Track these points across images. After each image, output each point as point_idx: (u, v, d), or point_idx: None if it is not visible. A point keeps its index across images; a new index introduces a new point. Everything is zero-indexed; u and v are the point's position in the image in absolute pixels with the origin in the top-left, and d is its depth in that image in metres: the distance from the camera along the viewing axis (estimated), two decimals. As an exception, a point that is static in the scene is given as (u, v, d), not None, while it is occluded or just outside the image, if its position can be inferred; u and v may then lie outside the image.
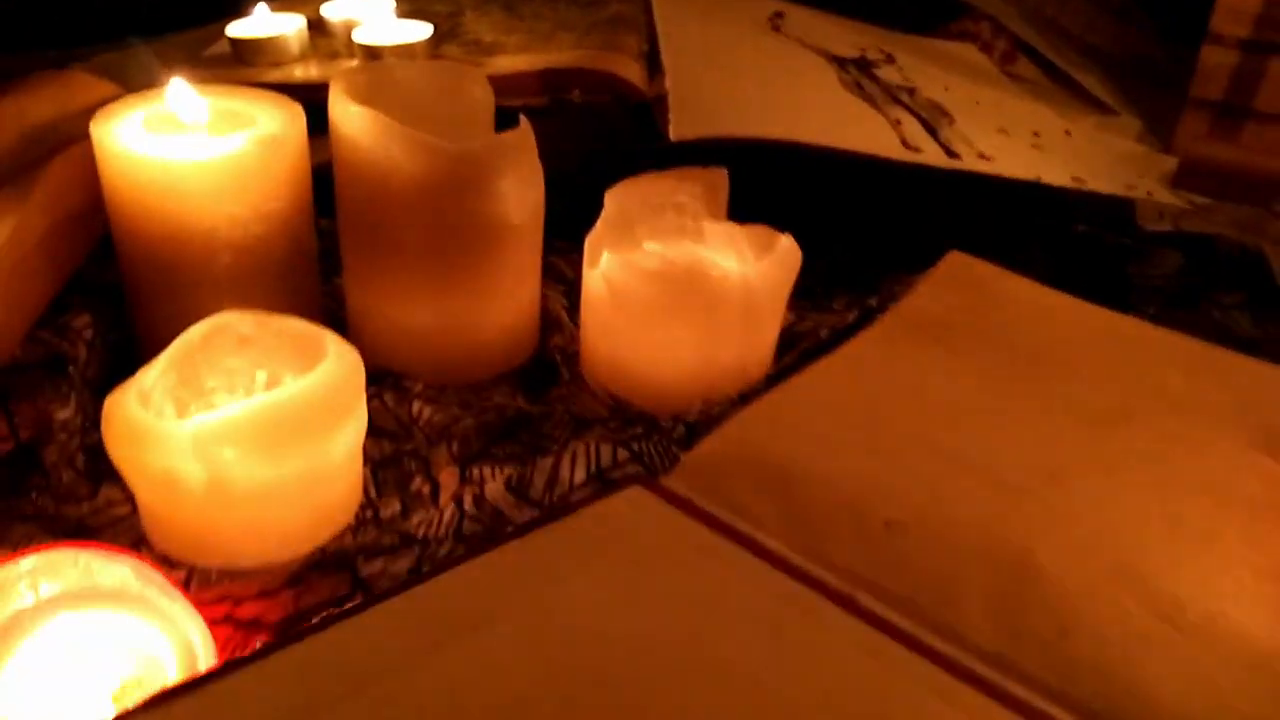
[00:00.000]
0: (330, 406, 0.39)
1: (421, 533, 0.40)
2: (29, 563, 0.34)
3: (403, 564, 0.39)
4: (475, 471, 0.44)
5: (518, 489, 0.42)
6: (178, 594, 0.35)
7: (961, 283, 0.52)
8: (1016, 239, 0.63)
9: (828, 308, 0.59)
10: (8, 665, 0.33)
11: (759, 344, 0.50)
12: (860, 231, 0.64)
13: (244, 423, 0.37)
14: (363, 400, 0.41)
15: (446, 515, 0.41)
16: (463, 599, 0.33)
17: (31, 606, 0.34)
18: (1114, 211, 0.68)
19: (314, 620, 0.33)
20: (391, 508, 0.43)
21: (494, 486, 0.42)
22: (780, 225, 0.49)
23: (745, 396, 0.47)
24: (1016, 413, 0.44)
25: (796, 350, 0.52)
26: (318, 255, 0.52)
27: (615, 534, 0.36)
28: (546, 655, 0.31)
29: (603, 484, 0.42)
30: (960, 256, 0.55)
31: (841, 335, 0.52)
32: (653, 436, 0.45)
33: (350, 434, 0.41)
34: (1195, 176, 0.74)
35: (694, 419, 0.46)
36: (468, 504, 0.41)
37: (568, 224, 0.53)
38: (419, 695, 0.30)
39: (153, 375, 0.40)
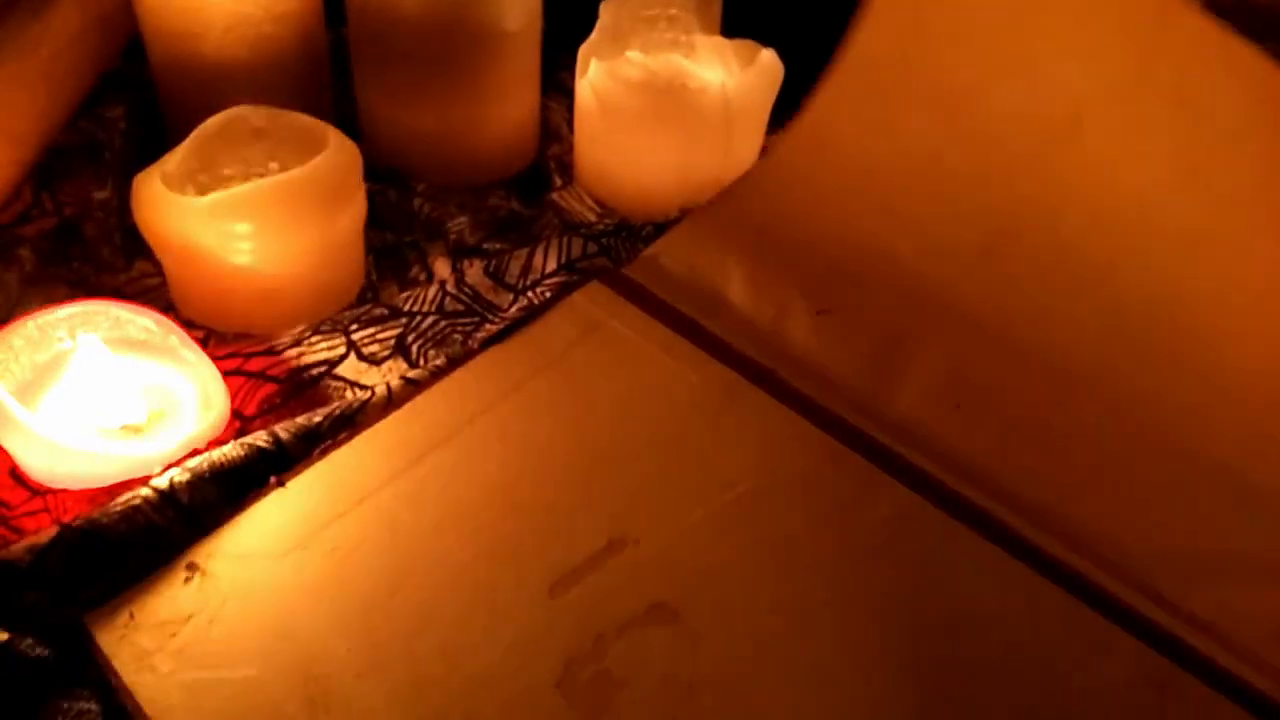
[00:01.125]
0: (331, 191, 0.44)
1: (408, 306, 0.45)
2: (67, 311, 0.40)
3: (391, 332, 0.44)
4: (466, 263, 0.49)
5: (495, 274, 0.46)
6: (196, 346, 0.41)
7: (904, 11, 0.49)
8: None
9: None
10: (48, 396, 0.39)
11: (739, 155, 0.53)
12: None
13: (253, 199, 0.42)
14: (361, 189, 0.46)
15: (431, 292, 0.45)
16: (432, 419, 0.39)
17: (70, 348, 0.40)
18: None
19: (322, 427, 0.39)
20: (389, 291, 0.48)
21: (474, 271, 0.46)
22: (776, 43, 0.51)
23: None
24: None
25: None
26: (332, 61, 0.55)
27: (571, 338, 0.41)
28: (500, 463, 0.37)
29: (571, 272, 0.46)
30: None
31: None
32: (622, 233, 0.49)
33: (349, 218, 0.46)
34: None
35: (670, 225, 0.50)
36: (450, 285, 0.46)
37: (576, 37, 0.55)
38: (396, 507, 0.36)
39: (175, 160, 0.44)
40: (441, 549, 0.35)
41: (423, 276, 0.49)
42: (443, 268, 0.49)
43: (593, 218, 0.53)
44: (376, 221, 0.50)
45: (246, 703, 0.32)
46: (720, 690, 0.31)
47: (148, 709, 0.32)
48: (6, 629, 0.32)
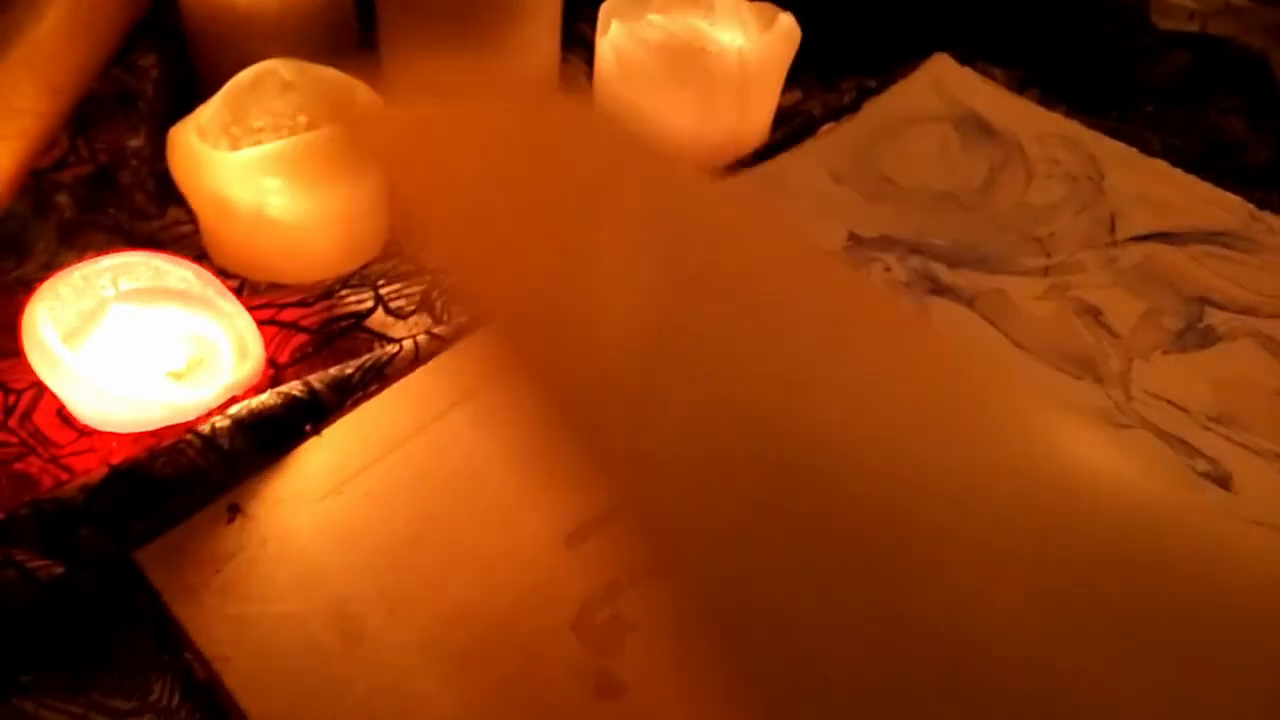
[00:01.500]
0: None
1: (433, 264, 0.47)
2: (109, 262, 0.42)
3: (416, 288, 0.46)
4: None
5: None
6: (233, 297, 0.43)
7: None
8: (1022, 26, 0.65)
9: (835, 87, 0.62)
10: (93, 342, 0.41)
11: (754, 118, 0.55)
12: (877, 14, 0.67)
13: (284, 156, 0.44)
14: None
15: (454, 249, 0.47)
16: (457, 375, 0.41)
17: (112, 296, 0.42)
18: (1128, 11, 0.69)
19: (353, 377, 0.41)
20: (413, 245, 0.50)
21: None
22: (794, 6, 0.52)
23: (733, 168, 0.52)
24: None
25: (787, 126, 0.56)
26: (358, 15, 0.57)
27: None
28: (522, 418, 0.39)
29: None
30: (945, 60, 0.57)
31: (833, 114, 0.56)
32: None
33: (377, 175, 0.47)
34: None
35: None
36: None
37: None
38: (425, 457, 0.38)
39: (209, 112, 0.46)
40: (466, 498, 0.37)
41: (444, 230, 0.51)
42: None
43: (609, 174, 0.55)
44: (400, 174, 0.52)
45: (286, 635, 0.35)
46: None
47: (195, 639, 0.34)
48: (63, 563, 0.35)
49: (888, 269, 0.43)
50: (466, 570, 0.36)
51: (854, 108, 0.54)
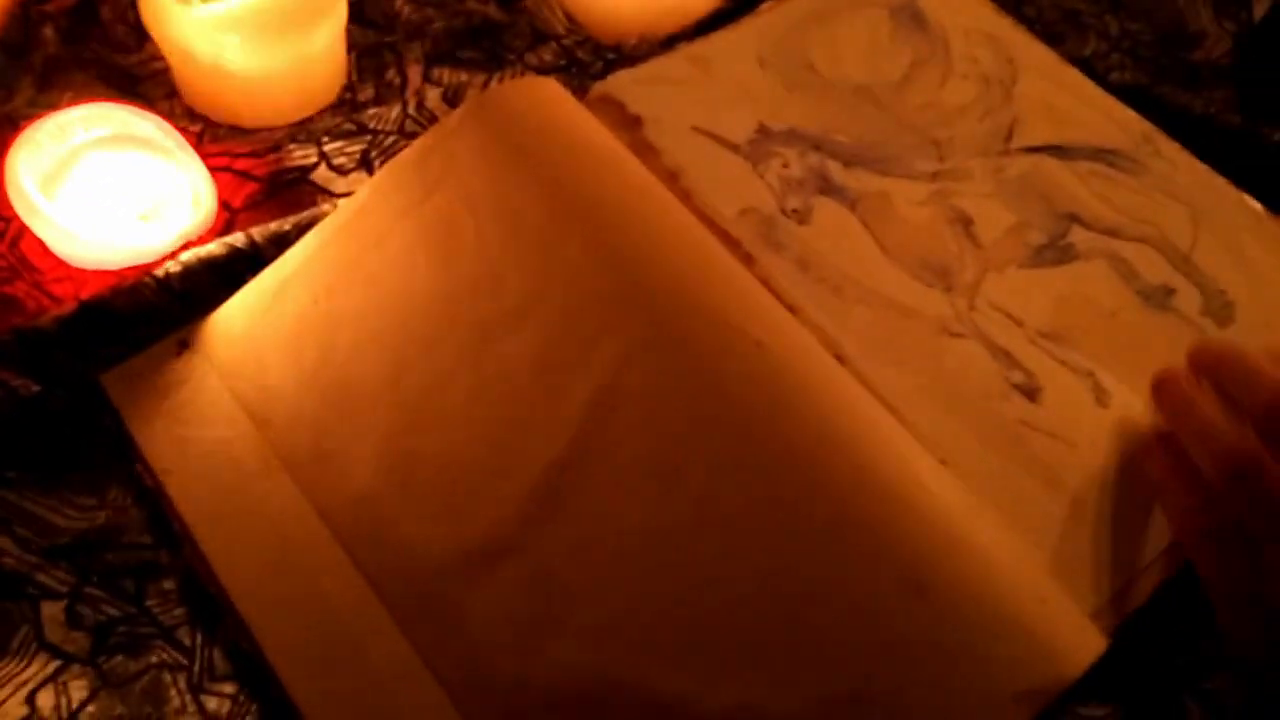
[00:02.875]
0: (312, 6, 0.49)
1: (373, 125, 0.51)
2: (81, 111, 0.46)
3: (357, 147, 0.50)
4: (436, 72, 0.54)
5: (451, 101, 0.52)
6: (191, 150, 0.48)
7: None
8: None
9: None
10: (67, 186, 0.46)
11: (703, -17, 0.57)
12: None
13: (241, 17, 0.48)
14: (341, 2, 0.51)
15: (394, 113, 0.51)
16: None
17: (83, 142, 0.47)
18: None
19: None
20: (366, 93, 0.54)
21: (433, 96, 0.52)
22: None
23: (673, 39, 0.55)
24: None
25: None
26: None
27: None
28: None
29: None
30: None
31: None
32: (572, 69, 0.53)
33: (329, 28, 0.51)
34: None
35: (626, 51, 0.55)
36: (412, 108, 0.52)
37: None
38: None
39: (175, -37, 0.49)
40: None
41: (397, 81, 0.54)
42: (415, 75, 0.54)
43: (561, 30, 0.57)
44: (360, 18, 0.55)
45: (217, 456, 0.42)
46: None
47: (145, 453, 0.42)
48: (38, 383, 0.42)
49: (785, 165, 0.47)
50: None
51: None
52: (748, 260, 0.44)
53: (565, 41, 0.57)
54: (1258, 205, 0.48)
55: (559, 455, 0.38)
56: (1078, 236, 0.46)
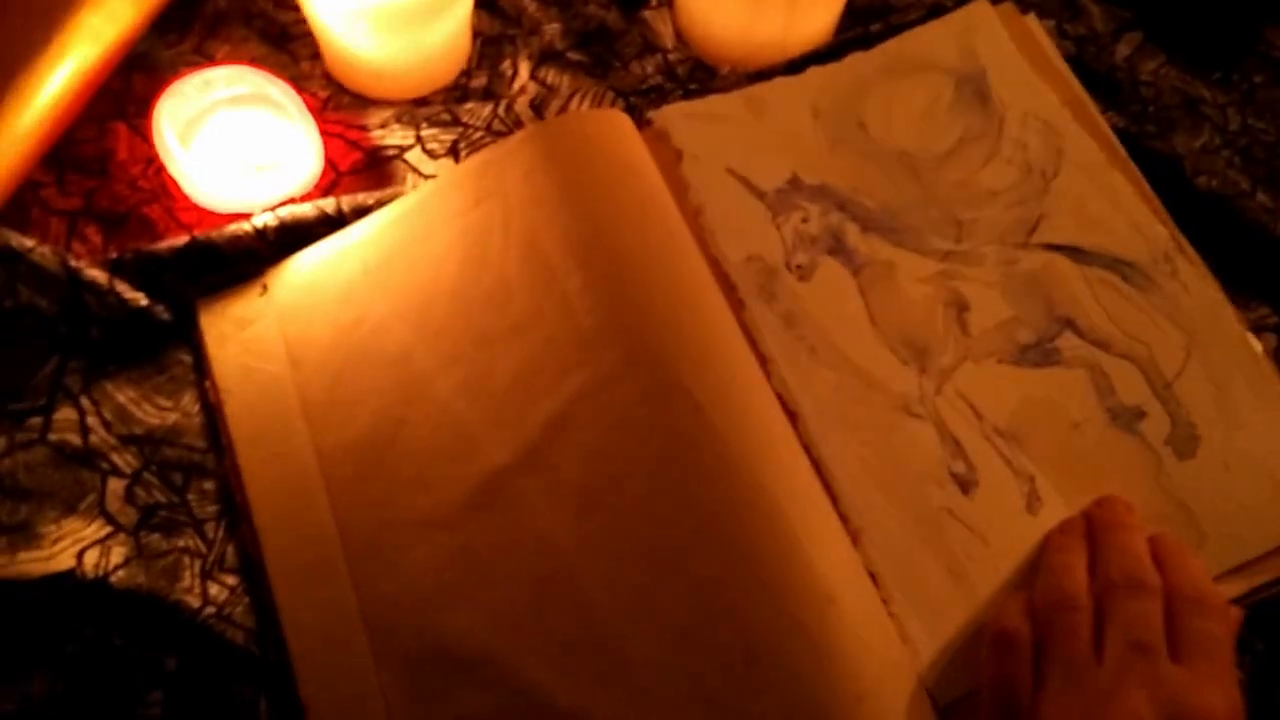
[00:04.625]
0: (435, 2, 0.55)
1: (466, 120, 0.57)
2: (224, 71, 0.55)
3: (449, 136, 0.57)
4: (543, 71, 0.60)
5: (537, 109, 0.58)
6: (309, 115, 0.56)
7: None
8: None
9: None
10: (202, 132, 0.55)
11: (804, 23, 0.59)
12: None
13: (372, 14, 0.55)
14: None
15: (485, 111, 0.58)
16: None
17: (223, 98, 0.55)
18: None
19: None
20: (479, 80, 0.60)
21: (522, 102, 0.58)
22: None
23: (765, 73, 0.58)
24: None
25: (839, 38, 0.60)
26: None
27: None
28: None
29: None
30: (983, 8, 0.57)
31: (891, 30, 0.59)
32: (665, 87, 0.58)
33: (449, 23, 0.57)
34: None
35: (715, 80, 0.59)
36: (501, 110, 0.58)
37: None
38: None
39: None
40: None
41: (509, 73, 0.60)
42: (525, 70, 0.60)
43: (669, 45, 0.62)
44: (492, 7, 0.61)
45: (270, 389, 0.50)
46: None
47: (215, 373, 0.51)
48: (148, 297, 0.51)
49: (805, 220, 0.50)
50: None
51: (878, 39, 0.58)
52: (738, 306, 0.48)
53: (671, 57, 0.61)
54: (1259, 347, 0.48)
55: (510, 459, 0.44)
56: (1067, 342, 0.48)
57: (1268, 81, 0.63)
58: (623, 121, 0.52)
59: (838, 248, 0.50)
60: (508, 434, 0.44)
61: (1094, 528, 0.42)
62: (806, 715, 0.37)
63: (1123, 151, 0.54)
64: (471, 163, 0.51)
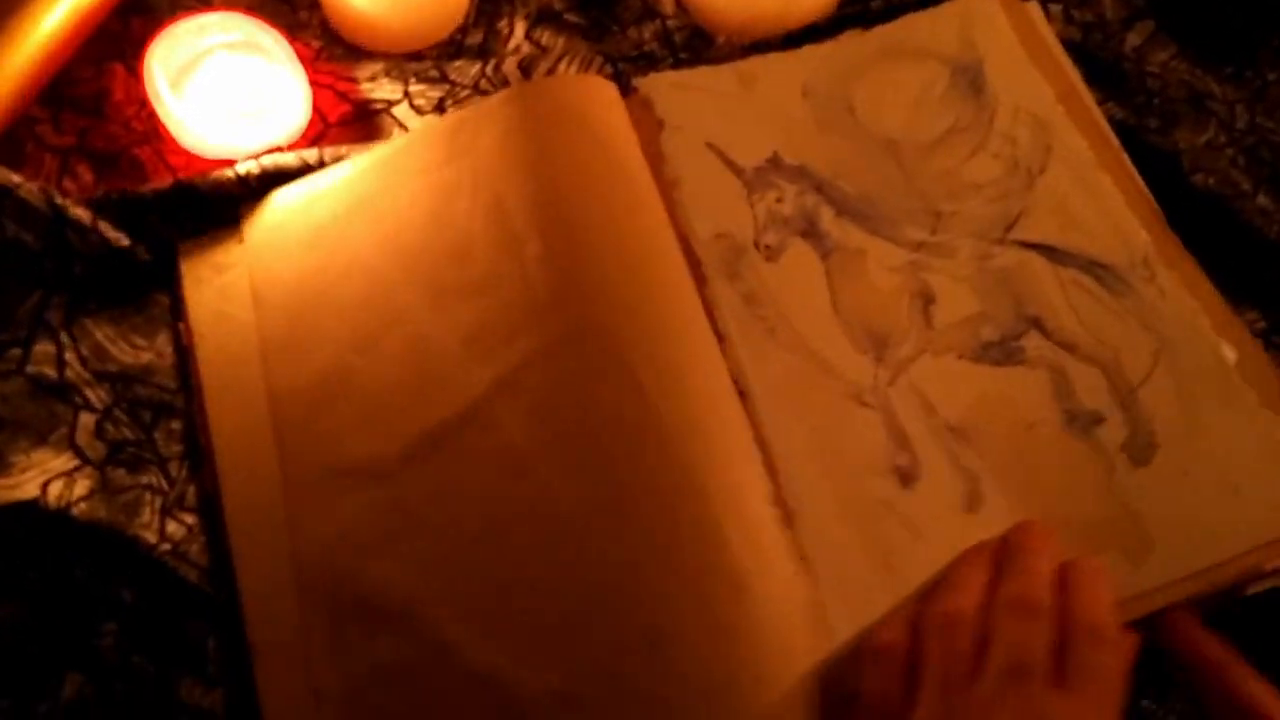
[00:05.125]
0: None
1: (454, 77, 0.57)
2: (218, 16, 0.55)
3: (436, 93, 0.57)
4: (538, 31, 0.60)
5: (525, 70, 0.57)
6: (300, 65, 0.56)
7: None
8: None
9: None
10: (194, 77, 0.56)
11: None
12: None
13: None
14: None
15: (474, 70, 0.57)
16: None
17: (216, 44, 0.56)
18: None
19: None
20: (475, 37, 0.60)
21: (510, 63, 0.58)
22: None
23: (756, 47, 0.57)
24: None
25: (840, 13, 0.59)
26: None
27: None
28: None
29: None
30: None
31: (893, 10, 0.58)
32: (660, 54, 0.57)
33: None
34: None
35: (711, 50, 0.58)
36: (489, 69, 0.57)
37: None
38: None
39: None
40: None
41: (506, 31, 0.60)
42: (520, 29, 0.60)
43: (669, 11, 0.61)
44: (494, -34, 0.61)
45: (240, 335, 0.51)
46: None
47: (190, 315, 0.52)
48: (130, 237, 0.52)
49: (780, 199, 0.50)
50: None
51: (879, 17, 0.56)
52: (701, 282, 0.48)
53: (670, 23, 0.61)
54: (1233, 357, 0.47)
55: (452, 416, 0.45)
56: (1032, 342, 0.47)
57: (1283, 80, 0.61)
58: (605, 89, 0.52)
59: (810, 230, 0.49)
60: (454, 391, 0.45)
61: (1005, 549, 0.41)
62: (705, 697, 0.38)
63: (1115, 148, 0.53)
64: (448, 120, 0.51)
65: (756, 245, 0.49)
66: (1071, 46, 0.59)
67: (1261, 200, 0.57)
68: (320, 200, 0.52)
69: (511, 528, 0.43)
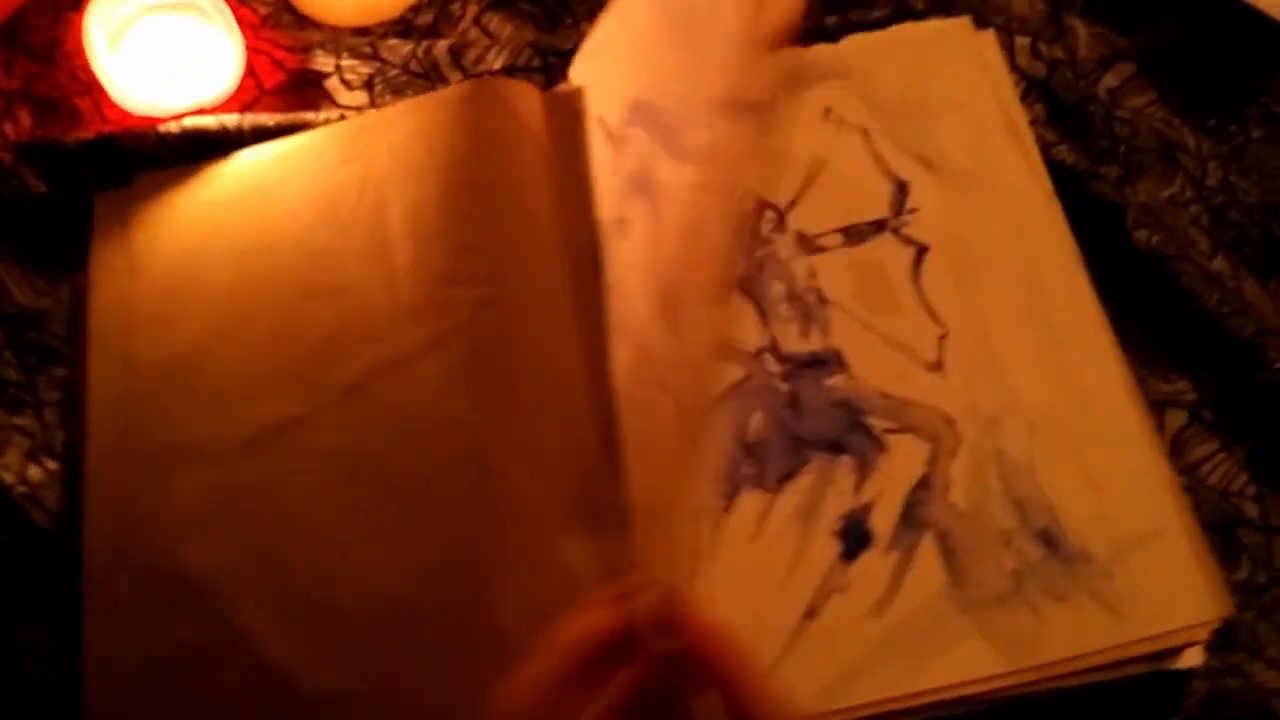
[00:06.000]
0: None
1: (385, 56, 0.57)
2: (159, -23, 0.56)
3: (366, 70, 0.57)
4: (488, 17, 0.59)
5: (454, 54, 0.56)
6: (237, 29, 0.56)
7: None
8: None
9: None
10: (131, 34, 0.56)
11: None
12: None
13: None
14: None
15: (405, 50, 0.57)
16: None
17: (158, 3, 0.57)
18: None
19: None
20: (425, 18, 0.60)
21: (441, 46, 0.57)
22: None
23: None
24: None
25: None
26: None
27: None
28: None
29: (509, 73, 0.55)
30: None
31: (848, 27, 0.56)
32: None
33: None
34: None
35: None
36: (420, 52, 0.57)
37: None
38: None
39: None
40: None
41: (458, 13, 0.60)
42: (470, 14, 0.60)
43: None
44: (453, -56, 0.61)
45: (135, 296, 0.52)
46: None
47: (91, 266, 0.52)
48: (48, 186, 0.53)
49: (627, 155, 0.48)
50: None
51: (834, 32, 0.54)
52: (596, 269, 0.47)
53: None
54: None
55: (299, 412, 0.45)
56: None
57: (1267, 137, 0.56)
58: (518, 91, 0.51)
59: (645, 184, 0.46)
60: (305, 388, 0.45)
61: None
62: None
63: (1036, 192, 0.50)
64: (352, 122, 0.52)
65: (616, 222, 0.47)
66: (1034, 83, 0.56)
67: (1218, 263, 0.53)
68: (214, 180, 0.53)
69: (330, 528, 0.43)
